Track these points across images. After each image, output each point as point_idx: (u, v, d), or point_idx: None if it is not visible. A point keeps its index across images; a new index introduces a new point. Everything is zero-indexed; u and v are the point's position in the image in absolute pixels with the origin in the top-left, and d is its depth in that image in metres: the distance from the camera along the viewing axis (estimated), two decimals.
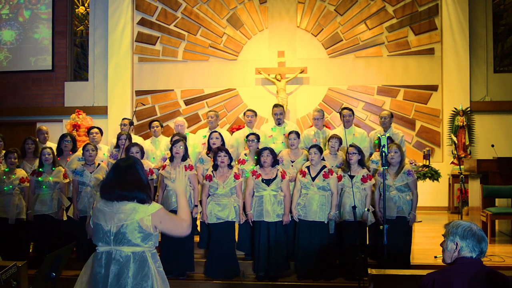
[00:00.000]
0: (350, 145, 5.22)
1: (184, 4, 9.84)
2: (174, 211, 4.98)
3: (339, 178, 5.15)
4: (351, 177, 5.07)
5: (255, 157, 5.39)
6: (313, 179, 5.10)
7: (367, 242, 5.22)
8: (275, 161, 5.22)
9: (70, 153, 6.01)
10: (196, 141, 6.46)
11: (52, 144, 6.40)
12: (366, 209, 5.01)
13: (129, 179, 2.69)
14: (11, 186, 5.53)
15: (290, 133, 5.57)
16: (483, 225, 6.38)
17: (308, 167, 5.18)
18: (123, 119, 6.89)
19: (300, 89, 9.56)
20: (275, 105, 6.35)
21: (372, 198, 5.18)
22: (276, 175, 5.16)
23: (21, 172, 5.67)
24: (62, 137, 6.01)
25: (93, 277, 2.67)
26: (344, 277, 5.10)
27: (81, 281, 2.74)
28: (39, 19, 10.43)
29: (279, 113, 6.14)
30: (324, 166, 5.16)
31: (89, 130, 6.52)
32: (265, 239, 5.12)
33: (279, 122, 6.15)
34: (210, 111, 6.63)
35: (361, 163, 5.16)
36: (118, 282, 2.59)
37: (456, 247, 2.45)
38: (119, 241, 2.63)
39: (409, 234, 5.10)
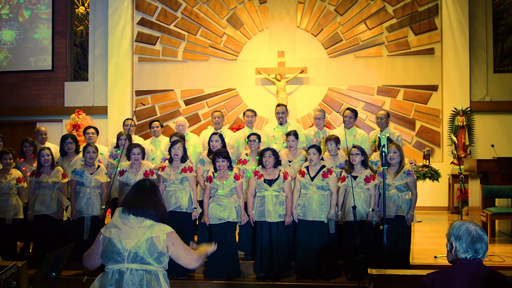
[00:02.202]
0: (353, 146, 5.21)
1: (184, 4, 9.84)
2: (172, 212, 5.04)
3: (343, 179, 5.14)
4: (354, 177, 5.06)
5: (257, 157, 5.39)
6: (312, 179, 5.10)
7: (374, 242, 5.19)
8: (277, 162, 5.21)
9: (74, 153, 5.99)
10: (197, 141, 6.46)
11: (51, 145, 6.39)
12: (371, 209, 5.00)
13: (157, 200, 2.75)
14: (8, 186, 5.53)
15: (288, 134, 5.57)
16: (483, 225, 6.37)
17: (307, 167, 5.18)
18: (126, 119, 6.86)
19: (300, 89, 9.56)
20: (278, 105, 6.41)
21: None
22: (279, 176, 5.15)
23: (17, 173, 5.67)
24: (63, 138, 5.98)
25: None
26: (346, 277, 5.10)
27: None
28: (39, 19, 10.43)
29: (281, 112, 6.16)
30: (323, 166, 5.16)
31: (85, 130, 6.49)
32: (267, 240, 5.12)
33: (281, 122, 6.17)
34: (215, 111, 6.61)
35: (365, 164, 5.16)
36: None
37: (452, 248, 2.46)
38: (132, 259, 2.58)
39: (408, 234, 5.10)
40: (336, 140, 5.52)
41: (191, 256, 2.74)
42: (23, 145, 6.02)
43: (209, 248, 2.95)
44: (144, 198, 2.70)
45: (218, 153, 5.20)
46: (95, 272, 3.31)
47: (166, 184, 5.23)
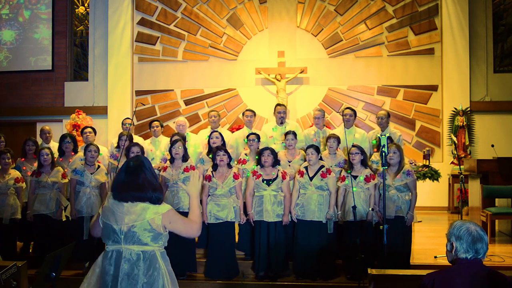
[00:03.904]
0: (353, 145, 5.20)
1: (184, 4, 9.84)
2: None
3: (343, 179, 5.14)
4: (354, 177, 5.06)
5: (256, 157, 5.39)
6: (311, 178, 5.10)
7: (374, 242, 5.18)
8: (276, 161, 5.22)
9: (72, 153, 5.98)
10: (198, 141, 6.46)
11: (55, 144, 6.40)
12: (370, 208, 5.00)
13: (140, 180, 2.67)
14: (6, 186, 5.53)
15: (287, 133, 5.57)
16: (483, 225, 6.37)
17: (306, 167, 5.18)
18: (125, 119, 6.87)
19: (300, 89, 9.56)
20: (278, 104, 6.43)
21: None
22: (277, 175, 5.15)
23: (15, 173, 5.68)
24: (62, 138, 5.99)
25: (102, 275, 2.66)
26: (345, 277, 5.10)
27: (88, 282, 2.71)
28: (39, 19, 10.43)
29: (282, 112, 6.17)
30: (322, 166, 5.16)
31: (82, 129, 6.51)
32: (265, 239, 5.12)
33: (281, 121, 6.17)
34: (212, 111, 6.63)
35: (364, 163, 5.16)
36: (128, 280, 2.59)
37: (452, 248, 2.46)
38: (129, 240, 2.63)
39: (408, 234, 5.09)
40: (338, 139, 5.53)
41: (190, 227, 2.77)
42: (25, 143, 6.05)
43: (194, 201, 2.84)
44: (128, 181, 2.68)
45: (219, 147, 5.25)
46: None
47: (169, 184, 5.23)
